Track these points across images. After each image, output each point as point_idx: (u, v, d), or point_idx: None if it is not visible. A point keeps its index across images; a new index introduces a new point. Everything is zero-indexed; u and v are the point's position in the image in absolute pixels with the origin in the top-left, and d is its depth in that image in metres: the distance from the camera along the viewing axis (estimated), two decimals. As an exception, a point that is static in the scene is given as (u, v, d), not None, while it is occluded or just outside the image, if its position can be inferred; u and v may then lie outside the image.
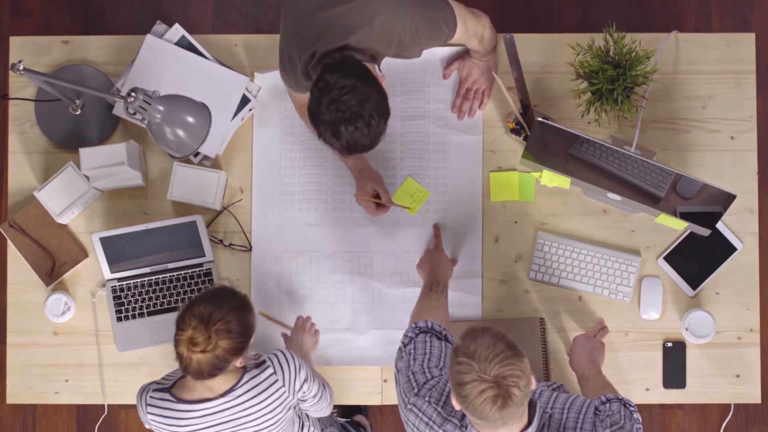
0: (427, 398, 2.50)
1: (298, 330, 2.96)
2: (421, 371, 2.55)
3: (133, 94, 2.64)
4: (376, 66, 2.66)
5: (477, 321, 3.01)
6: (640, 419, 2.58)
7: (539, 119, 2.74)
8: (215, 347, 2.45)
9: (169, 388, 2.61)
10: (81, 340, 3.05)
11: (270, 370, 2.61)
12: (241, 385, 2.59)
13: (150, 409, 2.61)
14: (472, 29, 2.79)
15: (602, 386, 2.73)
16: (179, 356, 2.48)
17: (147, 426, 2.66)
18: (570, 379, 2.99)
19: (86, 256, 3.06)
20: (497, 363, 2.26)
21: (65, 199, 2.98)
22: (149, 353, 3.04)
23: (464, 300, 3.02)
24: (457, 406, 2.35)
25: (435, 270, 2.89)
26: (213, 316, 2.45)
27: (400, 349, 2.62)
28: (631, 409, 2.57)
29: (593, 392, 2.70)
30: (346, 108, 2.47)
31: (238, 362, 2.53)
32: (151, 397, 2.61)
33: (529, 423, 2.40)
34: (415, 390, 2.53)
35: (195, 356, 2.45)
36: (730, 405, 3.61)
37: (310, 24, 2.59)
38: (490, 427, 2.35)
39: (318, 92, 2.50)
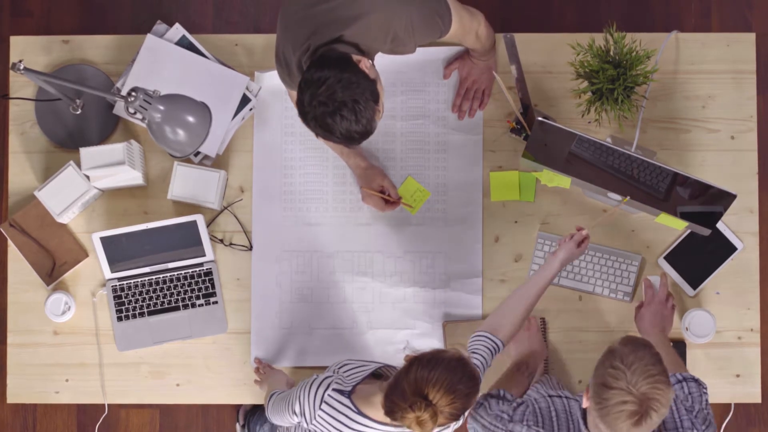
0: (525, 422, 2.51)
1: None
2: (503, 404, 2.57)
3: (133, 93, 2.64)
4: (366, 58, 2.63)
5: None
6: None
7: (539, 119, 2.74)
8: (437, 425, 2.35)
9: (350, 394, 2.51)
10: (81, 340, 3.05)
11: None
12: None
13: (324, 407, 2.49)
14: (468, 25, 2.78)
15: (674, 363, 2.74)
16: (395, 414, 2.35)
17: (303, 419, 2.54)
18: (572, 378, 2.99)
19: (86, 255, 3.06)
20: (649, 383, 2.28)
21: (65, 199, 2.98)
22: (149, 353, 3.04)
23: (464, 300, 3.02)
24: (586, 404, 2.35)
25: (533, 354, 2.88)
26: (444, 398, 2.32)
27: (471, 415, 2.61)
28: (704, 390, 2.61)
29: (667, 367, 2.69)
30: (327, 100, 2.44)
31: None
32: (329, 395, 2.50)
33: None
34: (507, 417, 2.53)
35: (416, 430, 2.35)
36: (730, 405, 3.61)
37: (306, 18, 2.58)
38: None
39: (300, 92, 2.48)
